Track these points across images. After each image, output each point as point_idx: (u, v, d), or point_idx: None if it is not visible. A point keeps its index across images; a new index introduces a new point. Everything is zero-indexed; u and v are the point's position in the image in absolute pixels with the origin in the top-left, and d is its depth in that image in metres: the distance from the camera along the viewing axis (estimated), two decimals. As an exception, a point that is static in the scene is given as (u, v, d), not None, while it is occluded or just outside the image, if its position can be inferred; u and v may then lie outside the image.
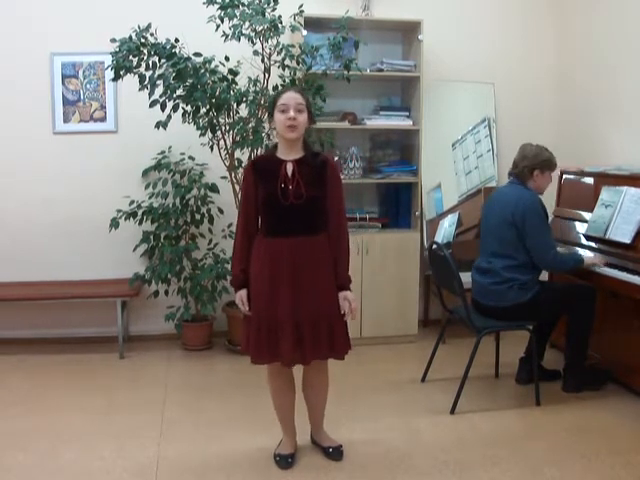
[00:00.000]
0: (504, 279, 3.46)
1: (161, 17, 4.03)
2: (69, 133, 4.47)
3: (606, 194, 3.79)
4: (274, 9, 3.94)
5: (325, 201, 2.74)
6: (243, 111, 4.11)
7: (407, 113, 4.56)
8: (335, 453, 2.95)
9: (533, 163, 3.56)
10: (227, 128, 4.13)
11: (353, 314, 2.78)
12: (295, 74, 4.11)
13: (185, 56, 3.84)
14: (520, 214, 3.42)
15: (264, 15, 3.86)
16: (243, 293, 2.78)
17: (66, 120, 4.47)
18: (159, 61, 3.86)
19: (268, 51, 4.08)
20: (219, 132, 4.13)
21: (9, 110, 4.39)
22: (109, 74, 3.99)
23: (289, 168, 2.72)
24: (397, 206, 4.69)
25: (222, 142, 4.18)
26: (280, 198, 2.68)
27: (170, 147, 4.47)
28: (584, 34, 4.63)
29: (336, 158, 4.35)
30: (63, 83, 4.44)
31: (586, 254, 3.70)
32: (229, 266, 4.41)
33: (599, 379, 3.69)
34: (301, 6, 4.02)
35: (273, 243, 2.72)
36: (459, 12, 4.83)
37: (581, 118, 4.69)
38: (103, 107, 4.50)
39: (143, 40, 3.81)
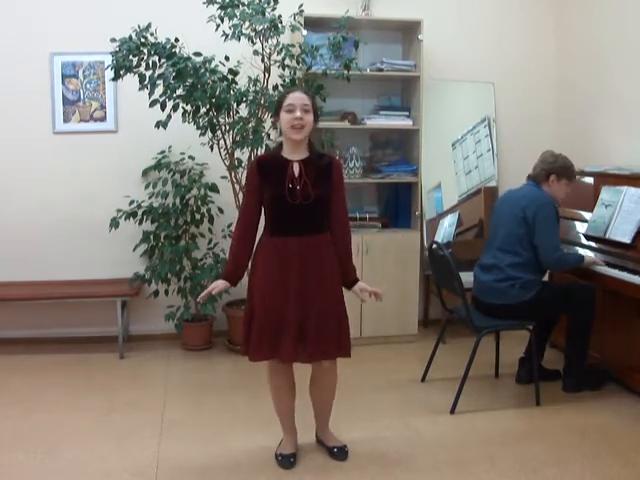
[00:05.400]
0: (507, 276, 3.46)
1: (161, 17, 4.03)
2: (69, 133, 4.47)
3: (606, 194, 3.80)
4: (274, 9, 3.95)
5: (330, 201, 2.78)
6: (243, 111, 4.11)
7: (407, 113, 4.56)
8: (340, 453, 2.95)
9: (551, 167, 3.58)
10: (227, 128, 4.13)
11: (380, 296, 2.85)
12: (295, 74, 4.10)
13: (185, 56, 3.84)
14: (532, 211, 3.44)
15: (264, 15, 3.86)
16: (221, 283, 2.77)
17: (66, 120, 4.47)
18: (159, 61, 3.86)
19: (268, 51, 4.08)
20: (219, 132, 4.13)
21: (9, 110, 4.39)
22: (109, 74, 3.99)
23: (296, 168, 2.73)
24: (397, 206, 4.69)
25: (222, 142, 4.18)
26: (288, 198, 2.69)
27: (170, 147, 4.46)
28: (584, 34, 4.63)
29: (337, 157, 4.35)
30: (63, 83, 4.44)
31: (586, 254, 3.71)
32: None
33: (599, 379, 3.69)
34: (301, 6, 4.02)
35: (280, 242, 2.74)
36: (459, 12, 4.83)
37: (581, 118, 4.69)
38: (103, 107, 4.50)
39: (143, 40, 3.82)
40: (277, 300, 2.71)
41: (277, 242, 2.75)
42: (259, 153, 4.18)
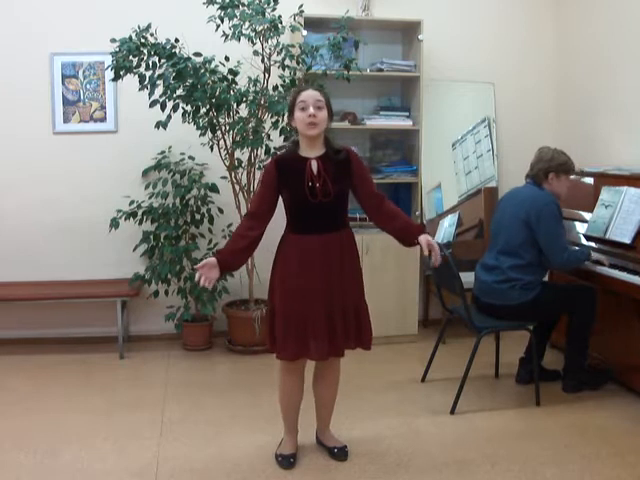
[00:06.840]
0: (508, 278, 3.46)
1: (161, 17, 4.04)
2: (69, 133, 4.47)
3: (606, 194, 3.79)
4: (274, 9, 3.95)
5: (357, 192, 2.83)
6: (243, 111, 4.11)
7: (407, 113, 4.56)
8: (340, 453, 2.95)
9: (548, 166, 3.54)
10: (227, 128, 4.13)
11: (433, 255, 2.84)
12: (295, 74, 4.11)
13: (185, 56, 3.85)
14: (535, 214, 3.41)
15: (264, 15, 3.87)
16: (212, 260, 2.64)
17: (66, 120, 4.47)
18: (159, 61, 3.87)
19: (268, 51, 4.08)
20: (219, 132, 4.13)
21: (9, 110, 4.39)
22: (109, 74, 4.00)
23: (314, 166, 2.73)
24: (397, 206, 4.67)
25: (222, 142, 4.18)
26: (308, 197, 2.69)
27: (170, 147, 4.47)
28: (584, 34, 4.63)
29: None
30: (63, 83, 4.44)
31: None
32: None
33: (599, 379, 3.69)
34: (301, 6, 4.02)
35: (302, 240, 2.74)
36: (459, 12, 4.83)
37: (581, 118, 4.69)
38: (103, 107, 4.50)
39: (143, 40, 3.82)
40: (299, 298, 2.71)
41: (298, 240, 2.75)
42: (259, 153, 4.19)
